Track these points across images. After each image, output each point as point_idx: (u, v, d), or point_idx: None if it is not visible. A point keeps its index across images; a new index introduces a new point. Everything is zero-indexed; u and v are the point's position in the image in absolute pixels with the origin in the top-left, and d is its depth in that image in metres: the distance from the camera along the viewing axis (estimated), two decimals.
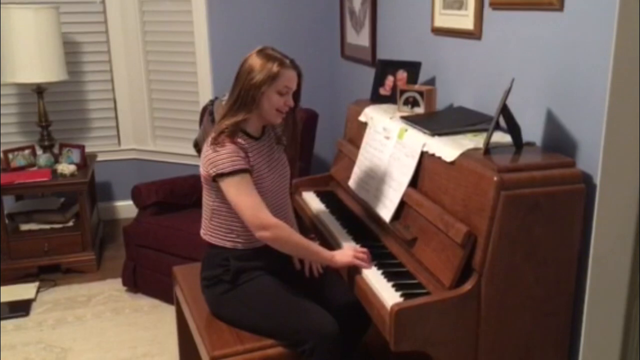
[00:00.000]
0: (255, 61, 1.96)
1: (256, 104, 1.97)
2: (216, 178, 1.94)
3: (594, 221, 1.71)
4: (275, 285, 2.03)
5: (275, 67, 1.94)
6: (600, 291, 1.76)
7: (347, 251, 2.00)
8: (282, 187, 2.14)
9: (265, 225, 1.92)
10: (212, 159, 1.94)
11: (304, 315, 1.95)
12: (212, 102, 3.50)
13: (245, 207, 1.92)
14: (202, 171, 2.00)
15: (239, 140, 1.98)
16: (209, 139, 1.98)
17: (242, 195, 1.93)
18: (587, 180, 1.73)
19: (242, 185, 1.93)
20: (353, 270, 1.99)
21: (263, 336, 1.98)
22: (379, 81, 2.76)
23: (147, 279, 3.28)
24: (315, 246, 2.01)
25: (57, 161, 3.75)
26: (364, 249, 2.00)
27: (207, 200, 2.07)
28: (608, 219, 1.71)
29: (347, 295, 2.09)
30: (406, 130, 2.15)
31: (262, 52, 1.99)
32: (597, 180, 1.69)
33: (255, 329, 2.00)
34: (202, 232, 2.14)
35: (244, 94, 1.96)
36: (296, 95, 2.07)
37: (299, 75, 2.04)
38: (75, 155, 3.78)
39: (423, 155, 2.01)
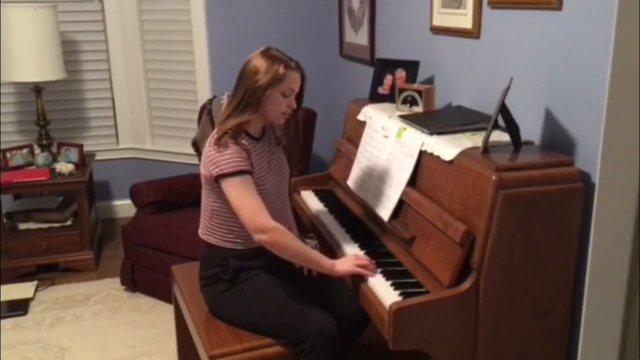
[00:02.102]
0: (260, 62, 1.95)
1: (261, 106, 1.97)
2: (218, 178, 1.94)
3: (593, 220, 1.71)
4: (274, 284, 2.03)
5: (281, 70, 1.93)
6: (599, 290, 1.76)
7: (349, 259, 1.96)
8: (282, 188, 2.14)
9: (263, 228, 1.90)
10: (215, 159, 1.93)
11: (303, 313, 1.95)
12: (210, 101, 3.50)
13: (245, 209, 1.91)
14: (204, 171, 2.00)
15: (242, 141, 1.97)
16: (211, 139, 1.98)
17: (242, 197, 1.92)
18: (585, 179, 1.73)
19: (243, 187, 1.92)
20: None
21: (262, 335, 1.98)
22: (377, 80, 2.76)
23: (145, 278, 3.27)
24: (315, 254, 1.97)
25: (55, 160, 3.74)
26: (367, 258, 1.97)
27: (207, 200, 2.07)
28: (607, 218, 1.71)
29: (346, 294, 2.08)
30: (405, 129, 2.15)
31: (266, 53, 1.98)
32: (596, 179, 1.70)
33: (254, 327, 2.00)
34: (200, 231, 2.13)
35: (249, 95, 1.95)
36: (299, 97, 2.07)
37: (303, 78, 2.03)
38: (74, 154, 3.78)
39: (422, 154, 2.01)
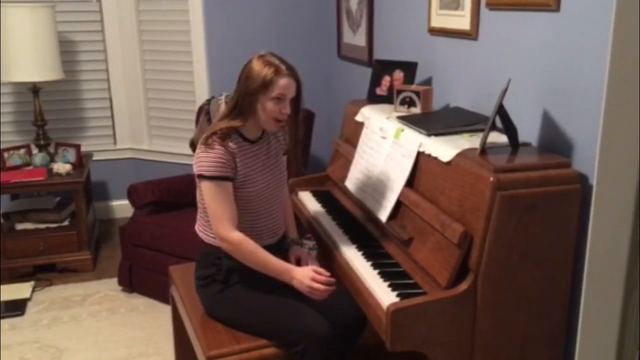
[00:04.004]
0: (254, 67, 1.95)
1: (252, 111, 1.98)
2: (197, 176, 1.98)
3: (591, 221, 1.71)
4: (268, 286, 2.03)
5: (269, 75, 1.92)
6: (596, 291, 1.76)
7: (304, 282, 1.93)
8: (276, 191, 2.13)
9: (224, 237, 1.97)
10: (199, 158, 1.97)
11: (296, 316, 1.95)
12: (208, 102, 3.50)
13: (212, 214, 1.97)
14: (193, 168, 2.02)
15: (230, 144, 1.98)
16: (203, 138, 2.00)
17: (213, 202, 1.96)
18: (583, 180, 1.73)
19: (217, 193, 1.96)
20: (349, 271, 1.99)
21: (256, 336, 1.98)
22: (375, 81, 2.76)
23: (143, 279, 3.27)
24: (275, 267, 1.98)
25: (52, 160, 3.74)
26: (325, 278, 1.94)
27: (200, 197, 2.08)
28: (604, 219, 1.71)
29: (343, 295, 2.08)
30: (403, 130, 2.15)
31: (261, 58, 1.98)
32: (593, 181, 1.70)
33: (248, 329, 2.00)
34: (196, 226, 2.17)
35: (242, 100, 1.97)
36: (296, 103, 2.05)
37: (298, 82, 2.01)
38: (71, 155, 3.77)
39: (419, 155, 2.01)
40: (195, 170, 1.98)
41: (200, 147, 1.98)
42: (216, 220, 1.97)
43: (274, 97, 1.95)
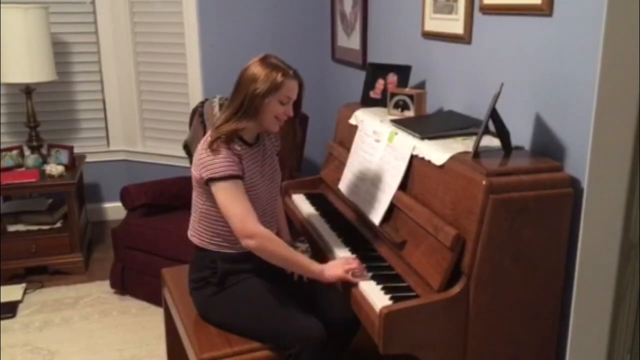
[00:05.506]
0: (259, 70, 1.95)
1: (257, 113, 1.97)
2: (208, 182, 1.94)
3: (582, 225, 1.72)
4: (262, 289, 2.03)
5: (279, 77, 1.94)
6: (587, 294, 1.77)
7: (338, 265, 1.95)
8: (273, 194, 2.14)
9: (251, 234, 1.92)
10: (206, 163, 1.94)
11: (290, 319, 1.95)
12: (202, 104, 3.50)
13: (234, 214, 1.92)
14: (195, 173, 2.00)
15: (235, 146, 1.98)
16: (204, 142, 1.98)
17: (231, 202, 1.92)
18: (574, 184, 1.74)
19: (233, 192, 1.93)
20: None
21: (250, 339, 1.98)
22: (369, 84, 2.77)
23: (135, 281, 3.26)
24: (303, 260, 1.98)
25: (45, 162, 3.73)
26: (356, 262, 1.96)
27: (197, 202, 2.07)
28: (595, 223, 1.72)
29: (336, 299, 2.08)
30: (396, 133, 2.16)
31: (265, 61, 1.98)
32: (585, 185, 1.71)
33: (242, 332, 2.00)
34: (189, 232, 2.14)
35: (248, 103, 1.95)
36: (297, 105, 2.07)
37: (301, 85, 2.04)
38: (64, 156, 3.76)
39: (413, 158, 2.02)
40: (205, 175, 1.93)
41: (204, 152, 1.95)
42: (240, 219, 1.92)
43: (281, 99, 1.96)
